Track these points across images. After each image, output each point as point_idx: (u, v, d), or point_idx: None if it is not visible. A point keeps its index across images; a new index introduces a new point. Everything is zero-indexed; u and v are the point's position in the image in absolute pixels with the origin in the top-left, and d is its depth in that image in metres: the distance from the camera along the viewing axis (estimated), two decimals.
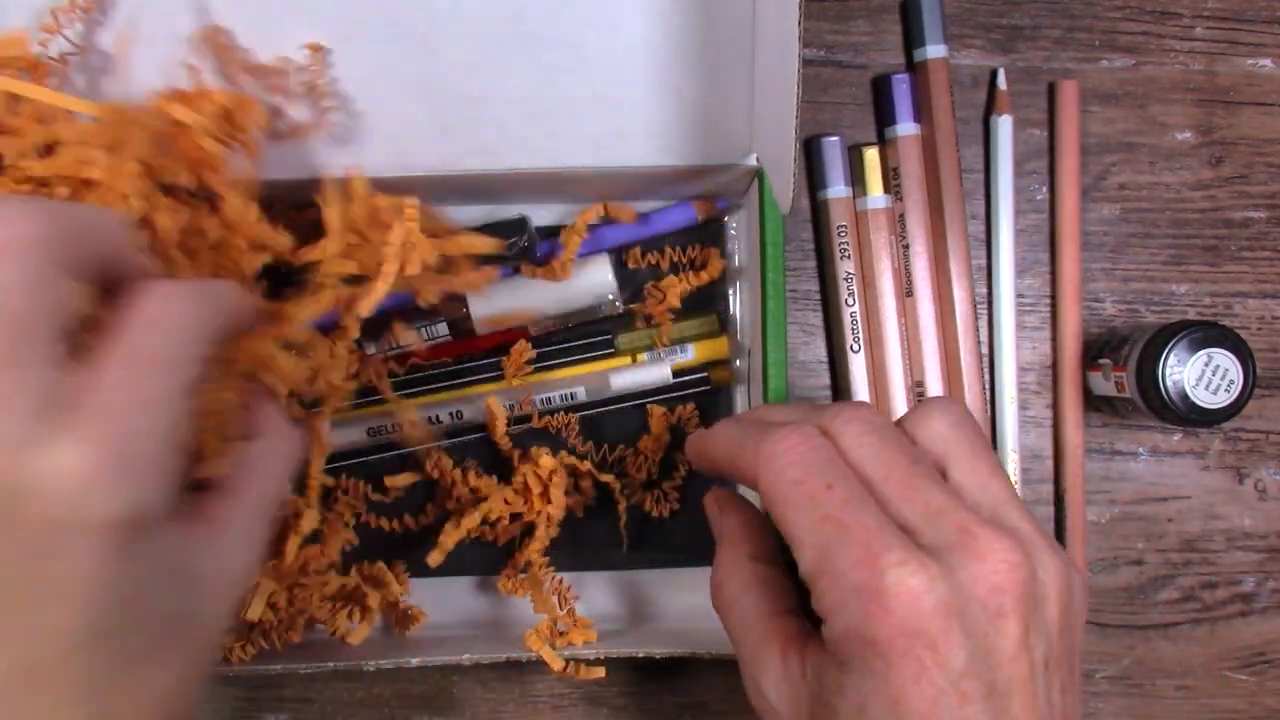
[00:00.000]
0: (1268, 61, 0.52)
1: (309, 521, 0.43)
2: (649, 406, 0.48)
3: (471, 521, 0.45)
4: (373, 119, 0.42)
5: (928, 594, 0.28)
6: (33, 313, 0.25)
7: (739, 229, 0.48)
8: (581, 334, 0.48)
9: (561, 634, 0.44)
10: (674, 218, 0.48)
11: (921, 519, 0.30)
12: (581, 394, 0.47)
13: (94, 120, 0.36)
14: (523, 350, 0.46)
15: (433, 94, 0.42)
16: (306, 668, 0.42)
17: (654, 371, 0.47)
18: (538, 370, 0.47)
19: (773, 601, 0.33)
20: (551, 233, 0.47)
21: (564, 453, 0.47)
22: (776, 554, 0.35)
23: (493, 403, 0.46)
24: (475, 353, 0.48)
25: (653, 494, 0.48)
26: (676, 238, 0.48)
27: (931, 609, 0.28)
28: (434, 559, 0.45)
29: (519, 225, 0.46)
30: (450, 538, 0.45)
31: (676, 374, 0.48)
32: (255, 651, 0.43)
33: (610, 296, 0.47)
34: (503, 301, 0.46)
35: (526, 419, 0.47)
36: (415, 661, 0.43)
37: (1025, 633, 0.29)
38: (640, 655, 0.42)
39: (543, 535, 0.45)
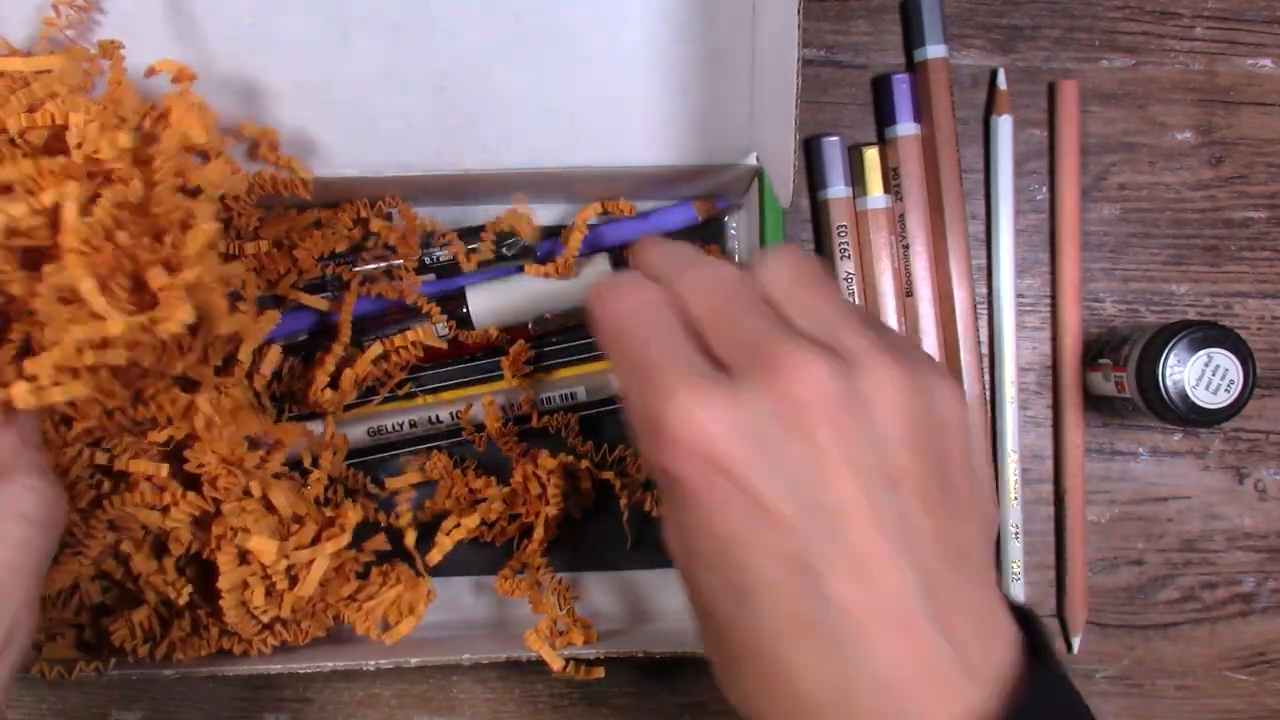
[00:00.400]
0: (1268, 61, 0.52)
1: (353, 518, 0.43)
2: None
3: (471, 522, 0.45)
4: (373, 118, 0.42)
5: (714, 421, 0.27)
6: None
7: (739, 228, 0.48)
8: (581, 334, 0.47)
9: (561, 634, 0.44)
10: (674, 217, 0.47)
11: (735, 351, 0.29)
12: (582, 394, 0.47)
13: None
14: (521, 351, 0.46)
15: (433, 93, 0.42)
16: (306, 668, 0.42)
17: None
18: (538, 370, 0.47)
19: None
20: (552, 232, 0.47)
21: (563, 453, 0.47)
22: None
23: (489, 405, 0.46)
24: (475, 352, 0.48)
25: (653, 493, 0.48)
26: (677, 237, 0.48)
27: (721, 434, 0.27)
28: (432, 558, 0.45)
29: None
30: (449, 538, 0.45)
31: None
32: (276, 644, 0.43)
33: None
34: (502, 300, 0.46)
35: (526, 419, 0.47)
36: (415, 661, 0.43)
37: (847, 448, 0.27)
38: (640, 655, 0.42)
39: (541, 536, 0.45)
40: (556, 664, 0.42)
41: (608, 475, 0.47)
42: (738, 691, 0.30)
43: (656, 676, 0.50)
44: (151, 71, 0.40)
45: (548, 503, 0.45)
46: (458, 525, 0.45)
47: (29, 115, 0.36)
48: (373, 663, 0.42)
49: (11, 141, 0.36)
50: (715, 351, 0.29)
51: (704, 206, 0.47)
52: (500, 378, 0.47)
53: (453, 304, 0.46)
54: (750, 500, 0.27)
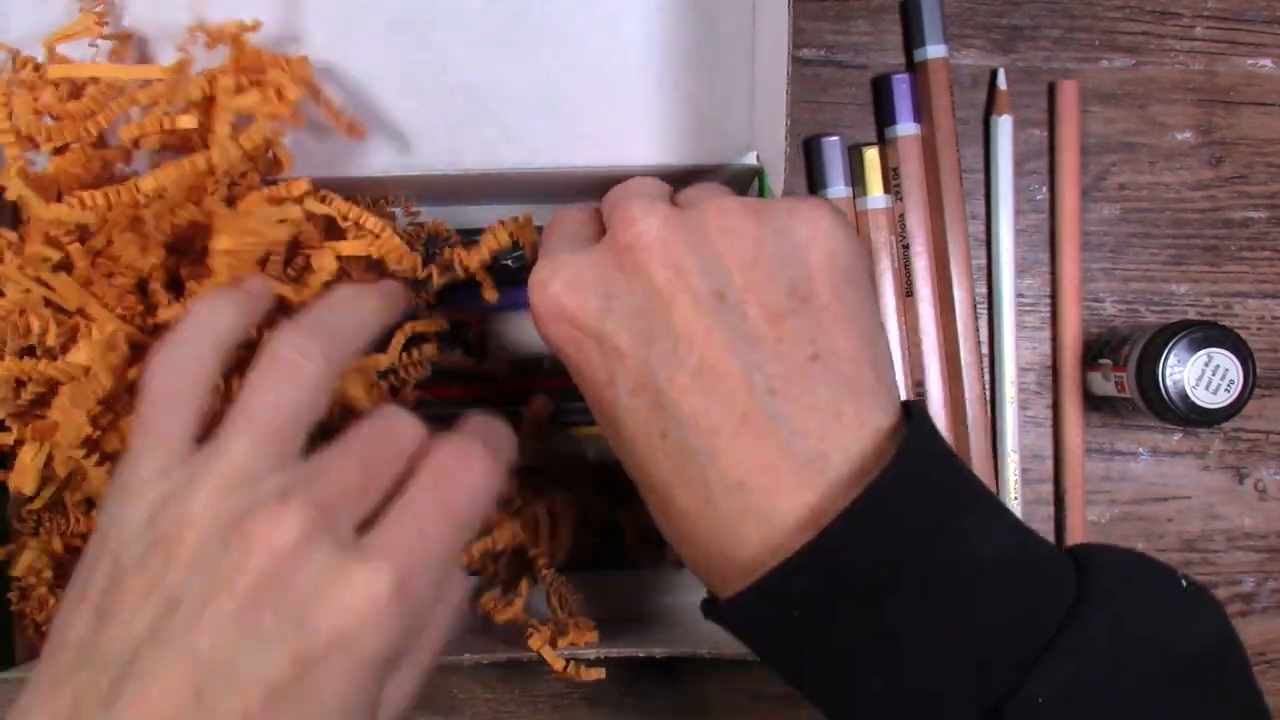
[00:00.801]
0: (1268, 61, 0.52)
1: None
2: None
3: (483, 544, 0.44)
4: (373, 117, 0.42)
5: (561, 284, 0.31)
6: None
7: None
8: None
9: (562, 634, 0.44)
10: None
11: (606, 226, 0.33)
12: (589, 455, 0.46)
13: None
14: (543, 409, 0.46)
15: (434, 92, 0.42)
16: None
17: None
18: (556, 425, 0.47)
19: None
20: None
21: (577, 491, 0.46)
22: None
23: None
24: (489, 393, 0.47)
25: (663, 545, 0.48)
26: None
27: (566, 293, 0.31)
28: None
29: None
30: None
31: None
32: None
33: None
34: (519, 335, 0.46)
35: (540, 471, 0.46)
36: None
37: (676, 274, 0.30)
38: (640, 655, 0.42)
39: (546, 575, 0.45)
40: (557, 664, 0.42)
41: (621, 515, 0.46)
42: (657, 524, 0.32)
43: (656, 676, 0.50)
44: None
45: (557, 539, 0.45)
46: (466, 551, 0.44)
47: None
48: None
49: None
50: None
51: None
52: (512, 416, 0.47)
53: (467, 331, 0.46)
54: (599, 340, 0.31)
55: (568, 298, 0.31)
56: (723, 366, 0.29)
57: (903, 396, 0.50)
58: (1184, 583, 0.31)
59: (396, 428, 0.31)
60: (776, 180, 0.40)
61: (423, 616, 0.30)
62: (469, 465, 0.31)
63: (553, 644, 0.43)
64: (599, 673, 0.42)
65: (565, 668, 0.42)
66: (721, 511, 0.29)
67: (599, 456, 0.47)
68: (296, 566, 0.27)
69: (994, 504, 0.30)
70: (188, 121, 0.36)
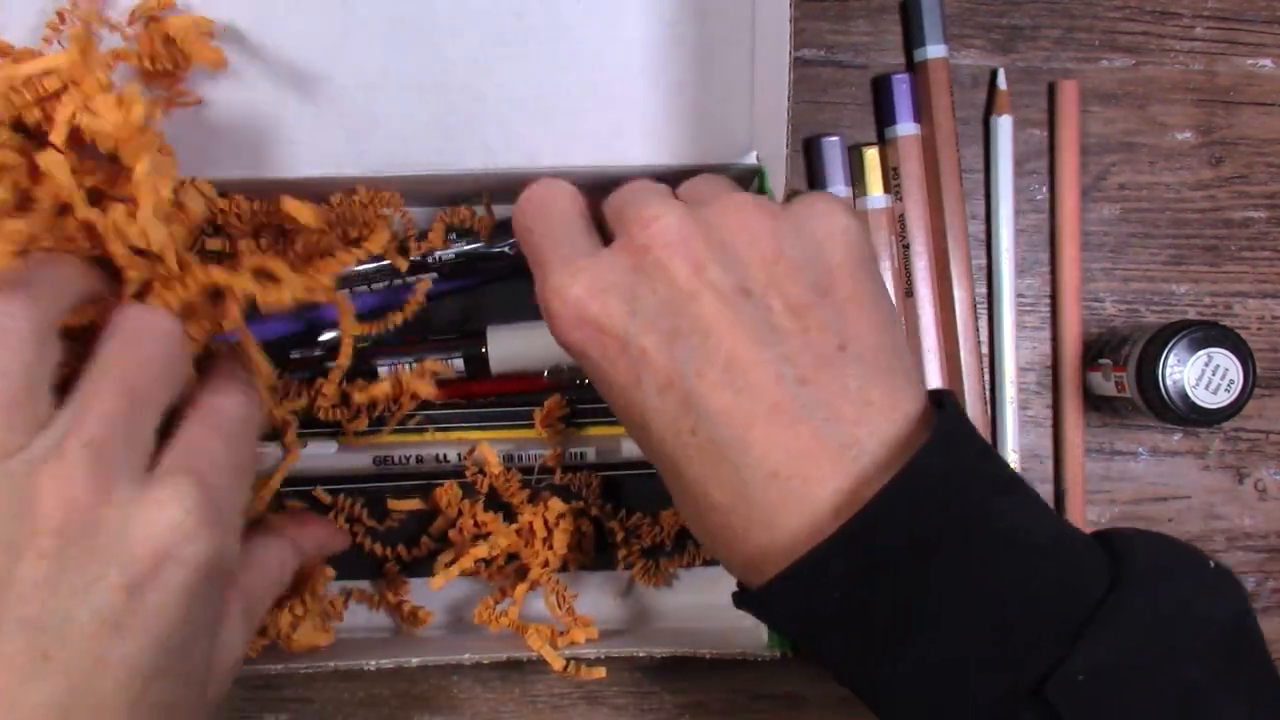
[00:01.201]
0: (1268, 61, 0.52)
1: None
2: None
3: (480, 551, 0.44)
4: (373, 117, 0.42)
5: (581, 286, 0.31)
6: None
7: None
8: (593, 395, 0.47)
9: (562, 633, 0.44)
10: None
11: (616, 227, 0.33)
12: (591, 455, 0.47)
13: None
14: (556, 406, 0.46)
15: (433, 92, 0.42)
16: (306, 668, 0.42)
17: None
18: (568, 425, 0.47)
19: None
20: None
21: (575, 501, 0.46)
22: None
23: (487, 450, 0.46)
24: (487, 395, 0.47)
25: (658, 562, 0.48)
26: None
27: (588, 295, 0.31)
28: (436, 583, 0.44)
29: None
30: (453, 567, 0.44)
31: None
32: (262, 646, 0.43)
33: None
34: (523, 346, 0.46)
35: (548, 471, 0.47)
36: (415, 661, 0.43)
37: (698, 271, 0.30)
38: (640, 655, 0.42)
39: (539, 580, 0.45)
40: (557, 664, 0.42)
41: (614, 524, 0.47)
42: (688, 524, 0.32)
43: (656, 676, 0.50)
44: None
45: (552, 547, 0.45)
46: (453, 561, 0.44)
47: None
48: (373, 663, 0.42)
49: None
50: (611, 235, 0.33)
51: None
52: (514, 426, 0.47)
53: (470, 340, 0.46)
54: (623, 342, 0.30)
55: (590, 302, 0.31)
56: (751, 359, 0.29)
57: None
58: (1211, 564, 0.31)
59: (141, 331, 0.32)
60: (777, 180, 0.40)
61: (231, 528, 0.31)
62: (237, 398, 0.34)
63: (553, 644, 0.43)
64: (600, 672, 0.42)
65: (565, 667, 0.42)
66: (757, 502, 0.29)
67: (602, 458, 0.47)
68: (97, 508, 0.28)
69: (1025, 488, 0.30)
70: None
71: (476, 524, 0.46)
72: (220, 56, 0.39)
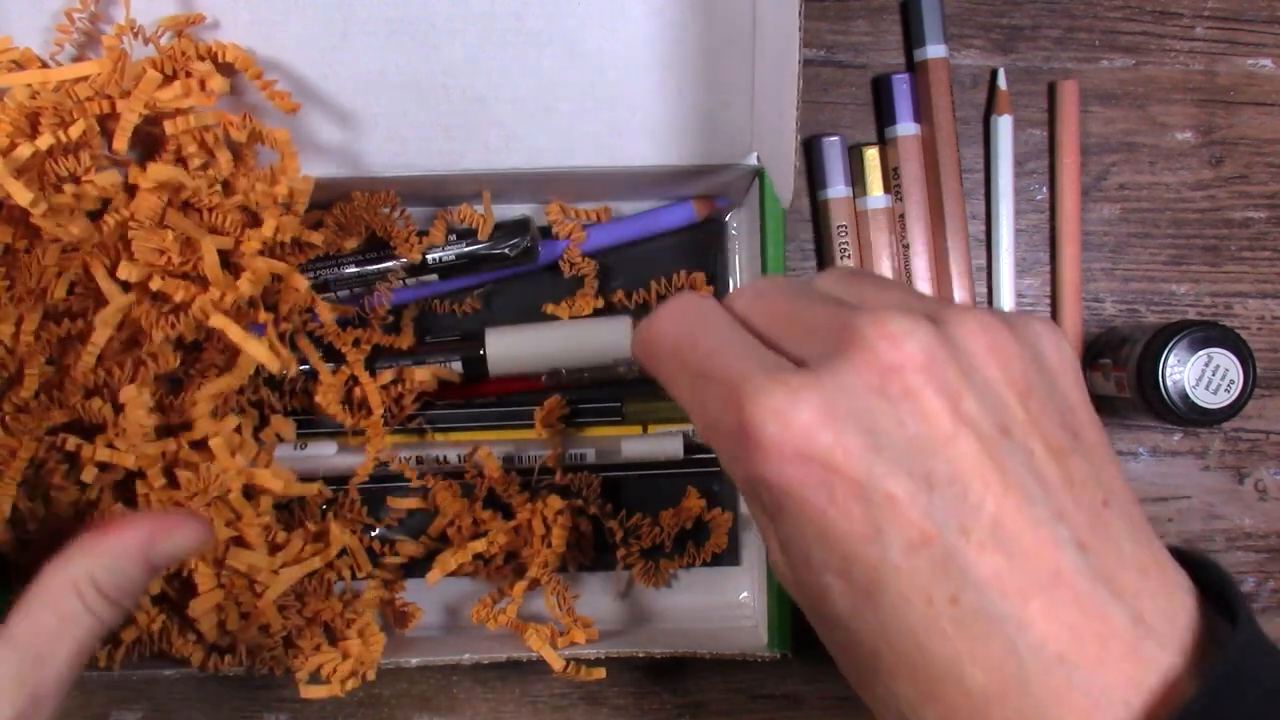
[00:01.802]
0: (1268, 61, 0.52)
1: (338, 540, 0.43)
2: (689, 489, 0.48)
3: (478, 546, 0.44)
4: (373, 118, 0.42)
5: (805, 412, 0.24)
6: None
7: (739, 228, 0.48)
8: (591, 397, 0.47)
9: (562, 634, 0.44)
10: (673, 216, 0.47)
11: (806, 343, 0.26)
12: (591, 456, 0.47)
13: None
14: (556, 406, 0.46)
15: (433, 93, 0.42)
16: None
17: (666, 444, 0.47)
18: (568, 426, 0.47)
19: None
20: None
21: (575, 500, 0.46)
22: None
23: (486, 456, 0.46)
24: (487, 396, 0.47)
25: (658, 563, 0.48)
26: (675, 236, 0.48)
27: (817, 424, 0.24)
28: (433, 577, 0.44)
29: (521, 226, 0.45)
30: (451, 559, 0.44)
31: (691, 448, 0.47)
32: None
33: (626, 358, 0.46)
34: (521, 348, 0.46)
35: (548, 472, 0.47)
36: (415, 661, 0.43)
37: (954, 405, 0.25)
38: (640, 655, 0.42)
39: (538, 579, 0.45)
40: (557, 664, 0.42)
41: (613, 524, 0.47)
42: (898, 707, 0.26)
43: (656, 676, 0.50)
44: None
45: (550, 545, 0.45)
46: (462, 549, 0.44)
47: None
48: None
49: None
50: (786, 351, 0.27)
51: (703, 205, 0.47)
52: (514, 426, 0.47)
53: (470, 343, 0.46)
54: (862, 487, 0.24)
55: (819, 429, 0.24)
56: (1024, 518, 0.24)
57: None
58: None
59: None
60: (784, 181, 0.40)
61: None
62: None
63: (553, 644, 0.43)
64: (599, 673, 0.42)
65: (565, 668, 0.42)
66: (1035, 689, 0.24)
67: (602, 458, 0.47)
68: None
69: None
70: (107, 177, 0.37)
71: (475, 522, 0.46)
72: (295, 105, 0.41)
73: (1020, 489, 0.24)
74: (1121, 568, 0.25)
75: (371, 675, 0.43)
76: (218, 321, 0.38)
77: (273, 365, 0.39)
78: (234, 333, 0.38)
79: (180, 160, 0.39)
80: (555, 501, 0.45)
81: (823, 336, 0.26)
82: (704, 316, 0.28)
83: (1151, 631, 0.24)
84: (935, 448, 0.24)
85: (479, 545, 0.44)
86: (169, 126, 0.38)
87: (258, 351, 0.39)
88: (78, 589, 0.33)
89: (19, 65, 0.39)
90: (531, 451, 0.46)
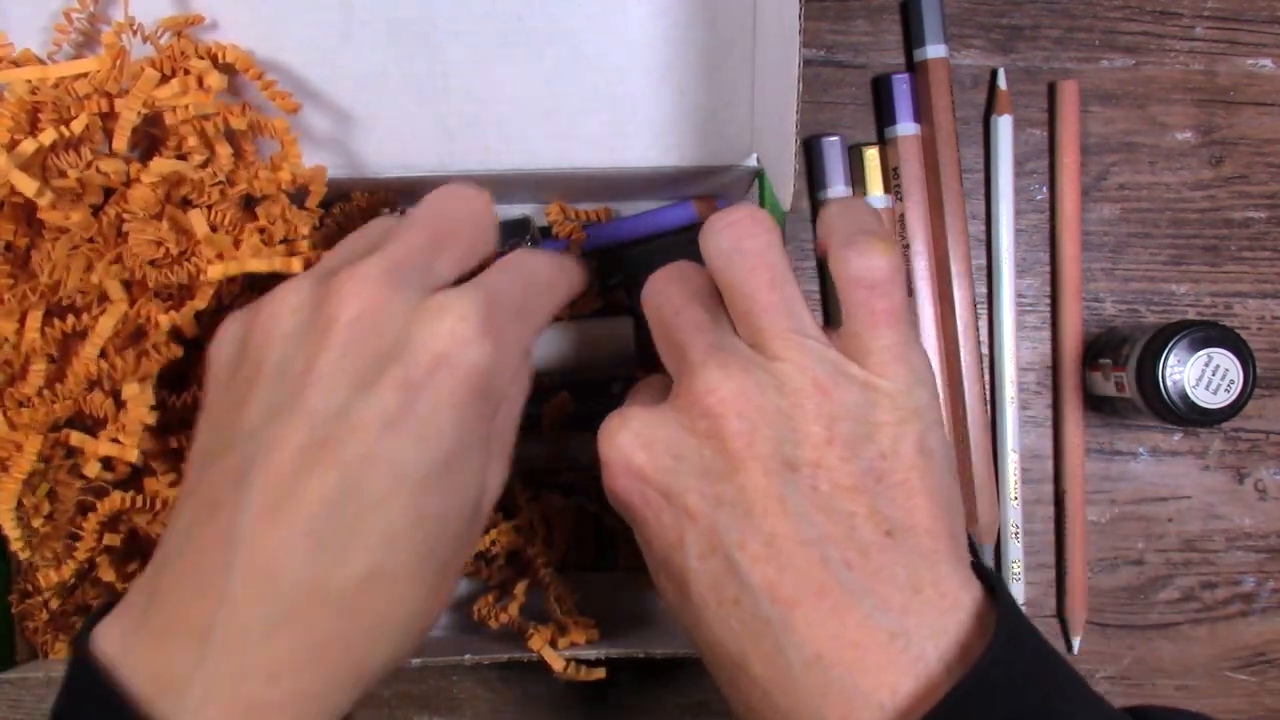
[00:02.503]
0: (1268, 61, 0.52)
1: None
2: None
3: (479, 544, 0.44)
4: (373, 118, 0.42)
5: (636, 441, 0.31)
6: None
7: None
8: (591, 393, 0.47)
9: (562, 634, 0.44)
10: (672, 216, 0.47)
11: (671, 369, 0.33)
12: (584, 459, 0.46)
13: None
14: (564, 403, 0.46)
15: (434, 93, 0.42)
16: None
17: None
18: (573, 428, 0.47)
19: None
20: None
21: (578, 498, 0.46)
22: None
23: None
24: None
25: None
26: (675, 236, 0.48)
27: (642, 450, 0.31)
28: None
29: (522, 226, 0.45)
30: None
31: None
32: None
33: (629, 357, 0.46)
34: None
35: (554, 471, 0.47)
36: (415, 662, 0.43)
37: (750, 442, 0.30)
38: (642, 655, 0.42)
39: (544, 575, 0.45)
40: (558, 665, 0.42)
41: (615, 522, 0.46)
42: (721, 688, 0.31)
43: (656, 676, 0.50)
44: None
45: (552, 545, 0.45)
46: None
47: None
48: None
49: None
50: (663, 359, 0.33)
51: (704, 205, 0.47)
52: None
53: None
54: (670, 504, 0.30)
55: (636, 452, 0.31)
56: (796, 540, 0.29)
57: None
58: None
59: (450, 193, 0.34)
60: (784, 184, 0.40)
61: (507, 362, 0.32)
62: (544, 257, 0.35)
63: (553, 644, 0.43)
64: (600, 673, 0.42)
65: (566, 668, 0.42)
66: (800, 686, 0.28)
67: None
68: (385, 309, 0.30)
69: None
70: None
71: None
72: (296, 106, 0.41)
73: (795, 515, 0.29)
74: (892, 588, 0.28)
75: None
76: (215, 272, 0.38)
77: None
78: (252, 264, 0.38)
79: (181, 157, 0.39)
80: (557, 500, 0.45)
81: (676, 366, 0.32)
82: (662, 309, 0.34)
83: (913, 643, 0.28)
84: (728, 477, 0.29)
85: (480, 543, 0.44)
86: (169, 117, 0.38)
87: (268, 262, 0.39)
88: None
89: (16, 65, 0.39)
90: (533, 449, 0.46)
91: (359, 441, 0.28)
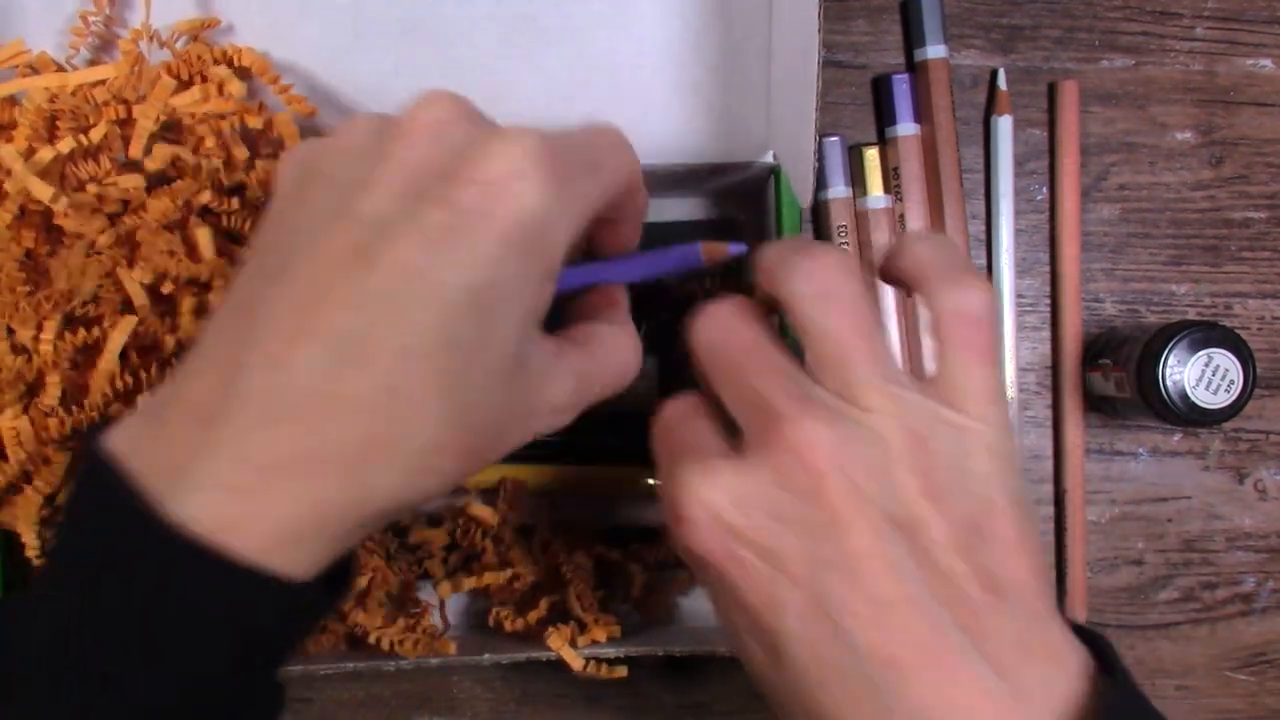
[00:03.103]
0: (1268, 61, 0.52)
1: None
2: None
3: (499, 579, 0.44)
4: None
5: (725, 496, 0.29)
6: None
7: (753, 227, 0.48)
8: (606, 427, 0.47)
9: (582, 632, 0.43)
10: (675, 259, 0.44)
11: (745, 415, 0.30)
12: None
13: None
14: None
15: None
16: (307, 668, 0.42)
17: None
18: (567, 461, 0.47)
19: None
20: None
21: (599, 547, 0.46)
22: None
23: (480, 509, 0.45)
24: None
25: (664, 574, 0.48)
26: (688, 234, 0.47)
27: (733, 507, 0.28)
28: (444, 591, 0.44)
29: None
30: (466, 583, 0.44)
31: None
32: None
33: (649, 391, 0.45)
34: None
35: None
36: (415, 662, 0.43)
37: (850, 500, 0.28)
38: (660, 654, 0.42)
39: (566, 573, 0.45)
40: (577, 664, 0.42)
41: (615, 555, 0.46)
42: None
43: (657, 676, 0.50)
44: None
45: (575, 594, 0.44)
46: (479, 578, 0.44)
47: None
48: (373, 663, 0.42)
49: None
50: (731, 409, 0.31)
51: (712, 249, 0.43)
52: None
53: None
54: (768, 565, 0.28)
55: (728, 510, 0.29)
56: (906, 602, 0.28)
57: None
58: None
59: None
60: (803, 179, 0.40)
61: (566, 215, 0.29)
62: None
63: (572, 643, 0.42)
64: (621, 671, 0.42)
65: (585, 667, 0.42)
66: None
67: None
68: (452, 130, 0.29)
69: None
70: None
71: (500, 558, 0.45)
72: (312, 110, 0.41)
73: (901, 575, 0.28)
74: (1005, 646, 0.28)
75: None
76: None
77: None
78: None
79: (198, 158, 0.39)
80: (582, 559, 0.45)
81: (757, 417, 0.30)
82: (678, 418, 0.32)
83: (1027, 702, 0.27)
84: (833, 537, 0.28)
85: (500, 578, 0.44)
86: (187, 119, 0.38)
87: None
88: (621, 351, 0.34)
89: (34, 69, 0.39)
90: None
91: (396, 253, 0.27)
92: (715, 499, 0.29)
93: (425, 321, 0.27)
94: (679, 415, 0.32)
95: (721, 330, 0.32)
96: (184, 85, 0.39)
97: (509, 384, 0.29)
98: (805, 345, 0.31)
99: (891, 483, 0.29)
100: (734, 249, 0.38)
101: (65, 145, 0.36)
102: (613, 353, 0.33)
